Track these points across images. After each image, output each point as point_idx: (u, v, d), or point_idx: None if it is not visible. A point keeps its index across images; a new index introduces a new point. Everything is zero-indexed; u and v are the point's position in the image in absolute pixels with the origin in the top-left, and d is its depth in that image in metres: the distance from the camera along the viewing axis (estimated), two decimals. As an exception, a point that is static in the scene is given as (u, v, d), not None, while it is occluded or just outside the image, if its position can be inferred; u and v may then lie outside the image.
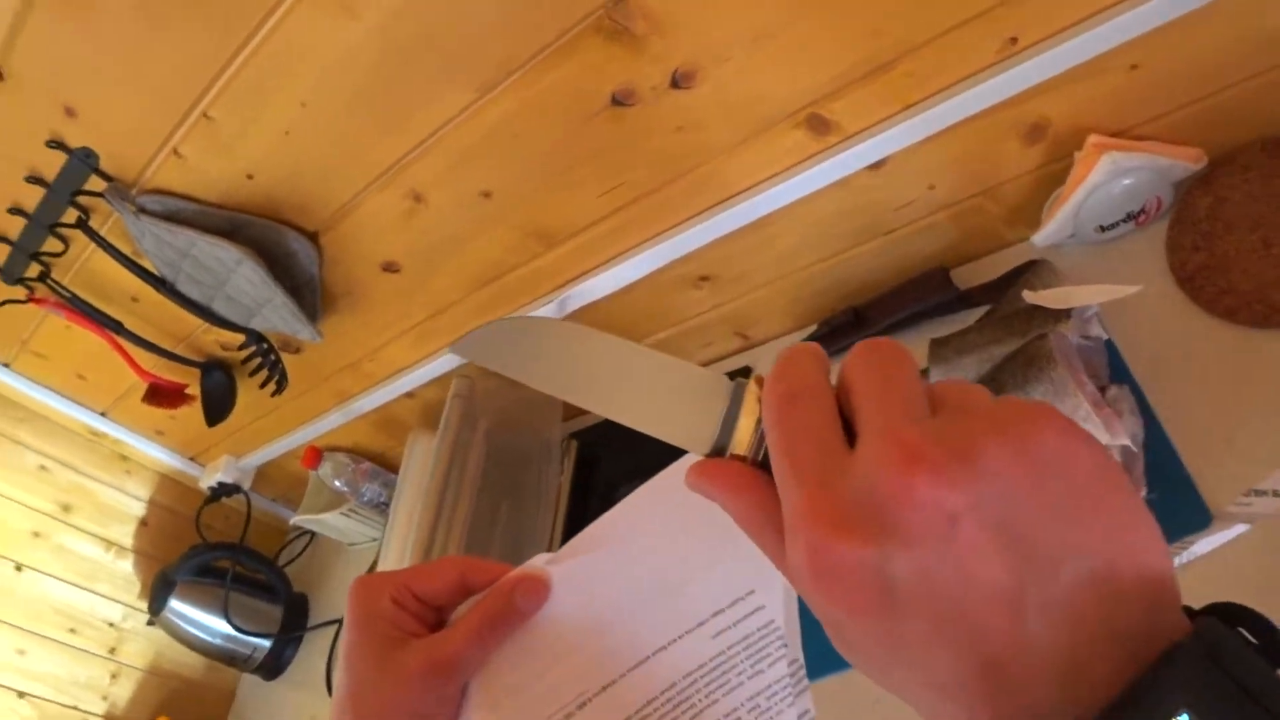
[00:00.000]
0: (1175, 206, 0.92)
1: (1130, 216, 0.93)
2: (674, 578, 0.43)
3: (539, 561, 0.44)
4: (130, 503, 1.72)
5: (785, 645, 0.42)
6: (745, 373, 1.20)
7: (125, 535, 1.70)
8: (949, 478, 0.24)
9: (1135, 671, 0.23)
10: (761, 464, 0.31)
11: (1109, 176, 0.89)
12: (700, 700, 0.41)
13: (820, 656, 0.36)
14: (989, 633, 0.24)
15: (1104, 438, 0.77)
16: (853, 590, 0.25)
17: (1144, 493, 0.77)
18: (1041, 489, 0.25)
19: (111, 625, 1.65)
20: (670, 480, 0.43)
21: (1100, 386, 0.84)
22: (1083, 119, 0.90)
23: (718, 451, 0.33)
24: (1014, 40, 0.82)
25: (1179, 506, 0.79)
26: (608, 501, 0.47)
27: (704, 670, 0.42)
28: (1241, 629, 0.23)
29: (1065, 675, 0.23)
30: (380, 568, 1.16)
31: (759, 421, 0.31)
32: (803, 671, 0.43)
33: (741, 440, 0.32)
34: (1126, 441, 0.78)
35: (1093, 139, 0.90)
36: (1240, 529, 0.75)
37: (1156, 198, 0.91)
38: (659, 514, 0.44)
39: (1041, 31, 0.81)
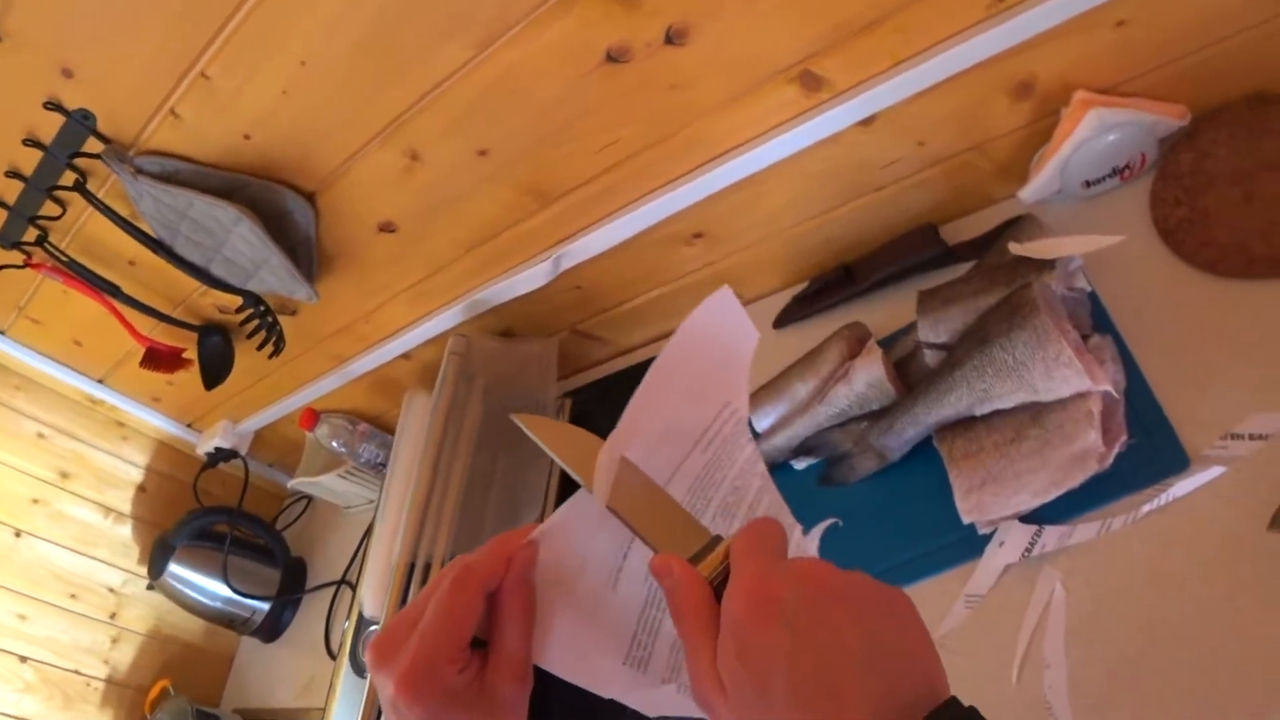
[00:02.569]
0: (1159, 162, 0.94)
1: (1115, 172, 0.94)
2: (685, 422, 0.54)
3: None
4: (128, 469, 1.73)
5: (747, 433, 0.56)
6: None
7: (123, 501, 1.71)
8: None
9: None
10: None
11: (1095, 132, 0.91)
12: (717, 479, 0.54)
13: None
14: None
15: (1085, 384, 0.79)
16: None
17: (1125, 438, 0.79)
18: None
19: (111, 590, 1.67)
20: (665, 369, 0.52)
21: (1083, 336, 0.86)
22: (1070, 75, 0.91)
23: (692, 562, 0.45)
24: (1001, -4, 0.84)
25: (1159, 450, 0.81)
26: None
27: (715, 459, 0.54)
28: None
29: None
30: (377, 527, 1.17)
31: (719, 563, 0.45)
32: (757, 450, 0.57)
33: (706, 567, 0.45)
34: (1108, 388, 0.80)
35: (1079, 95, 0.91)
36: (1217, 471, 0.77)
37: (1141, 153, 0.93)
38: (670, 389, 0.52)
39: (1029, -13, 0.83)
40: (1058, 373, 0.80)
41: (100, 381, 1.65)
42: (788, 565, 0.42)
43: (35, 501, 1.60)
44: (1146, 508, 0.79)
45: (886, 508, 0.95)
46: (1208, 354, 0.83)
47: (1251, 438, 0.77)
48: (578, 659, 0.49)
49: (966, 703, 0.36)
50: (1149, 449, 0.82)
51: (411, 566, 1.07)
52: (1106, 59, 0.90)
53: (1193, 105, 0.91)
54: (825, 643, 0.37)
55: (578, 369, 1.43)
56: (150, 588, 1.62)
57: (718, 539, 0.46)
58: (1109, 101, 0.91)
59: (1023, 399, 0.83)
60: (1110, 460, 0.78)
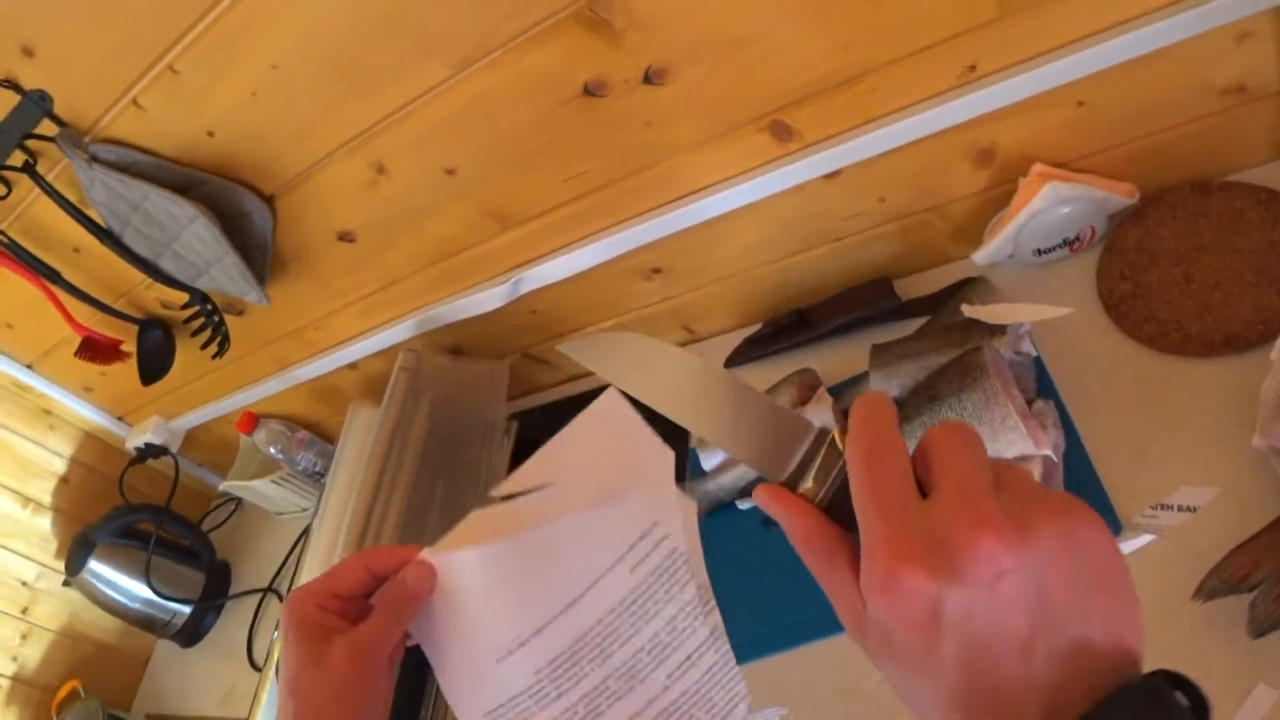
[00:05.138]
0: (1107, 237, 0.98)
1: (1066, 243, 0.98)
2: (582, 526, 0.47)
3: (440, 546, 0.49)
4: (51, 459, 1.67)
5: (691, 570, 0.47)
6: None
7: (44, 492, 1.65)
8: (1006, 542, 0.31)
9: (1096, 700, 0.30)
10: (822, 504, 0.38)
11: (1049, 204, 0.94)
12: (626, 629, 0.47)
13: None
14: (1002, 666, 0.31)
15: (1029, 447, 0.82)
16: (912, 609, 0.32)
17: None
18: (1071, 568, 0.32)
19: (25, 584, 1.61)
20: (572, 437, 0.48)
21: (1028, 399, 0.89)
22: (1030, 147, 0.95)
23: (789, 484, 0.40)
24: (973, 68, 0.86)
25: (1092, 516, 0.84)
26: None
27: (625, 603, 0.47)
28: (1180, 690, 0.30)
29: (1047, 703, 0.31)
30: (314, 539, 1.15)
31: (829, 473, 0.38)
32: (709, 592, 0.47)
33: (810, 482, 0.39)
34: (1049, 452, 0.82)
35: (1037, 168, 0.95)
36: (1146, 539, 0.80)
37: (1091, 227, 0.97)
38: (566, 464, 0.48)
39: (999, 62, 0.86)
40: (1003, 435, 0.82)
41: (29, 367, 1.59)
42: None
43: (-50, 489, 1.54)
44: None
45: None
46: (1144, 425, 0.86)
47: (1180, 509, 0.80)
48: (447, 677, 0.49)
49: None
50: (1082, 515, 0.84)
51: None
52: (1065, 135, 0.93)
53: (1142, 185, 0.95)
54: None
55: (526, 391, 1.43)
56: (67, 584, 1.56)
57: (823, 433, 0.40)
58: (1064, 176, 0.94)
59: (966, 458, 0.85)
60: (1045, 523, 0.81)
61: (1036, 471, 0.82)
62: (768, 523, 1.00)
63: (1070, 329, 0.94)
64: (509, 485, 0.48)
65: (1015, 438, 0.82)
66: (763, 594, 0.92)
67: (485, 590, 0.48)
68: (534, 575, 0.47)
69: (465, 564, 0.48)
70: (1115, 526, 0.82)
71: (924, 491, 0.35)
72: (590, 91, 0.91)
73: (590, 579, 0.47)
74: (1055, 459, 0.85)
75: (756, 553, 0.98)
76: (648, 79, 0.89)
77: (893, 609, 0.33)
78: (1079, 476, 0.86)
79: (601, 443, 0.48)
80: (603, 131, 0.95)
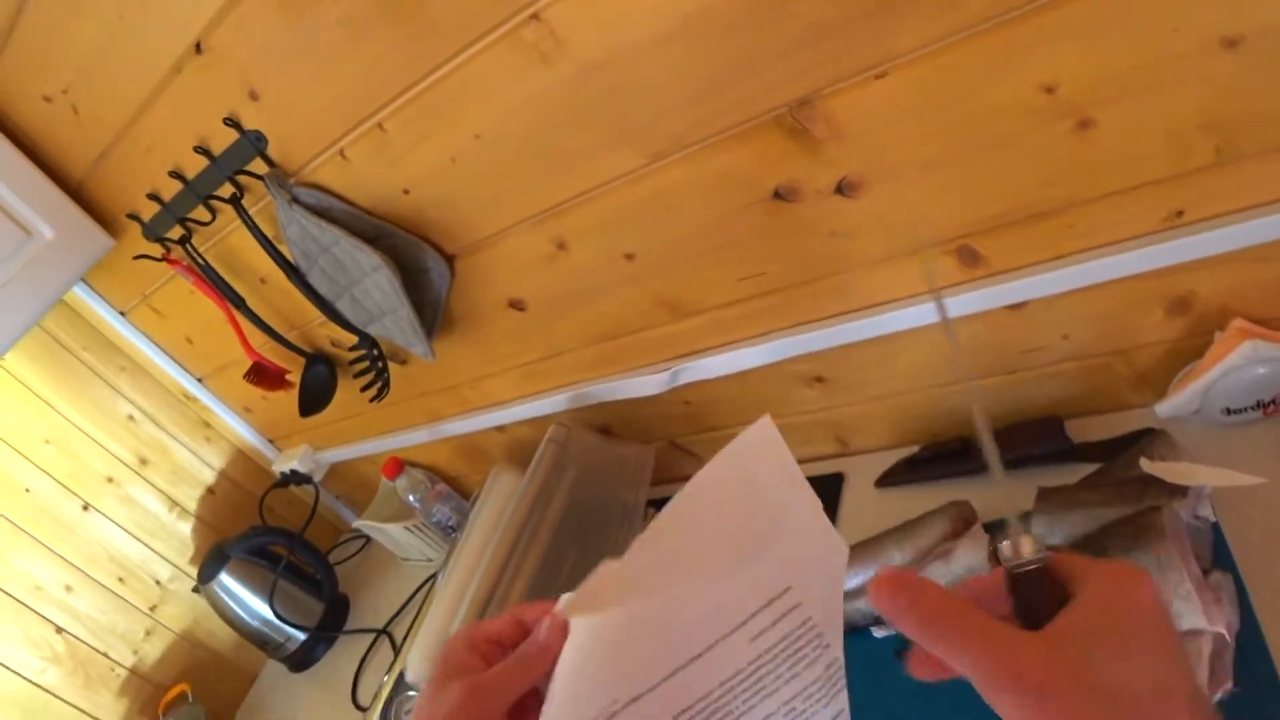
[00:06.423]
0: (1307, 405, 0.91)
1: (1259, 405, 0.92)
2: (709, 583, 0.44)
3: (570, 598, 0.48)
4: (202, 469, 1.77)
5: (824, 645, 0.43)
6: (838, 479, 1.20)
7: (191, 499, 1.75)
8: None
9: None
10: None
11: (1247, 362, 0.88)
12: (737, 707, 0.43)
13: None
14: None
15: (1200, 622, 0.76)
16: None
17: (1229, 685, 0.75)
18: None
19: (158, 583, 1.69)
20: (718, 472, 0.45)
21: (1203, 569, 0.82)
22: (1231, 301, 0.90)
23: None
24: (1180, 213, 0.83)
25: (1265, 706, 0.77)
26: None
27: (740, 676, 0.43)
28: None
29: None
30: (440, 591, 1.17)
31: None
32: (841, 670, 0.44)
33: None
34: (1222, 630, 0.76)
35: (1238, 323, 0.90)
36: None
37: (1290, 393, 0.91)
38: (708, 508, 0.45)
39: (1209, 210, 0.82)
40: (1174, 606, 0.77)
41: (200, 380, 1.70)
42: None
43: (110, 480, 1.64)
44: (1244, 769, 0.74)
45: (964, 702, 0.91)
46: (1331, 616, 0.79)
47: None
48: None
49: None
50: (1254, 703, 0.77)
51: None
52: (1271, 292, 0.88)
53: (1353, 356, 0.88)
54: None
55: (668, 479, 1.41)
56: (196, 590, 1.63)
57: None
58: (1266, 334, 0.89)
59: (1131, 624, 0.80)
60: (1211, 707, 0.75)
61: (1206, 649, 0.76)
62: (899, 652, 0.96)
63: (1256, 498, 0.87)
64: (651, 534, 0.46)
65: (1186, 609, 0.76)
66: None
67: (604, 649, 0.46)
68: (652, 634, 0.44)
69: (591, 625, 0.46)
70: (1289, 718, 0.75)
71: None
72: (780, 196, 0.91)
73: (707, 642, 0.43)
74: (1228, 638, 0.78)
75: (883, 682, 0.94)
76: (840, 190, 0.89)
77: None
78: (1251, 661, 0.79)
79: (747, 483, 0.45)
80: (786, 236, 0.95)
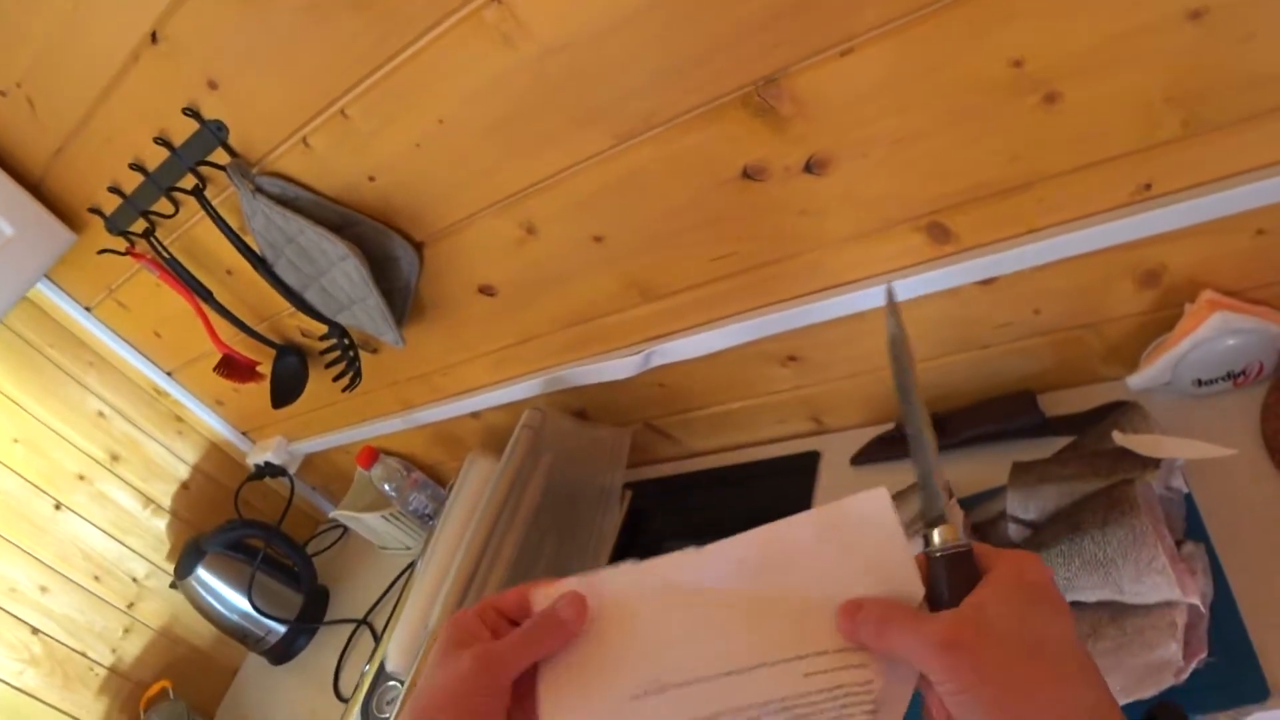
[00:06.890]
0: (1276, 373, 0.92)
1: (1230, 376, 0.92)
2: (786, 608, 0.45)
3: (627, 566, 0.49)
4: (176, 464, 1.75)
5: (873, 713, 0.42)
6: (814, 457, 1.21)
7: (165, 495, 1.73)
8: None
9: None
10: None
11: (1217, 333, 0.89)
12: None
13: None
14: None
15: (1174, 594, 0.76)
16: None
17: (1204, 655, 0.76)
18: None
19: (134, 580, 1.67)
20: (813, 529, 0.46)
21: (1176, 540, 0.83)
22: (1200, 273, 0.90)
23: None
24: (1148, 186, 0.83)
25: (1238, 675, 0.77)
26: (652, 554, 0.51)
27: (785, 703, 0.43)
28: None
29: None
30: (418, 579, 1.16)
31: None
32: None
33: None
34: (1196, 601, 0.77)
35: (1207, 294, 0.90)
36: (1298, 712, 0.73)
37: (1259, 362, 0.91)
38: (791, 553, 0.47)
39: (1177, 183, 0.82)
40: (1148, 578, 0.77)
41: (170, 374, 1.67)
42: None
43: (81, 478, 1.62)
44: (1218, 734, 0.75)
45: None
46: (1304, 584, 0.79)
47: (1340, 682, 0.73)
48: (555, 700, 0.48)
49: None
50: (1228, 671, 0.78)
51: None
52: (1240, 263, 0.88)
53: (1321, 324, 0.89)
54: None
55: (644, 461, 1.42)
56: (173, 586, 1.62)
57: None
58: (1236, 306, 0.89)
59: (1105, 596, 0.80)
60: (1185, 675, 0.75)
61: (1181, 620, 0.77)
62: None
63: (1227, 469, 0.88)
64: (727, 544, 0.48)
65: (1161, 581, 0.77)
66: None
67: (648, 622, 0.48)
68: (707, 627, 0.46)
69: (635, 593, 0.48)
70: (1261, 691, 0.75)
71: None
72: (749, 175, 0.90)
73: (758, 661, 0.44)
74: (1202, 609, 0.79)
75: None
76: (808, 168, 0.88)
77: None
78: (1225, 631, 0.79)
79: (854, 541, 0.45)
80: (756, 215, 0.95)
